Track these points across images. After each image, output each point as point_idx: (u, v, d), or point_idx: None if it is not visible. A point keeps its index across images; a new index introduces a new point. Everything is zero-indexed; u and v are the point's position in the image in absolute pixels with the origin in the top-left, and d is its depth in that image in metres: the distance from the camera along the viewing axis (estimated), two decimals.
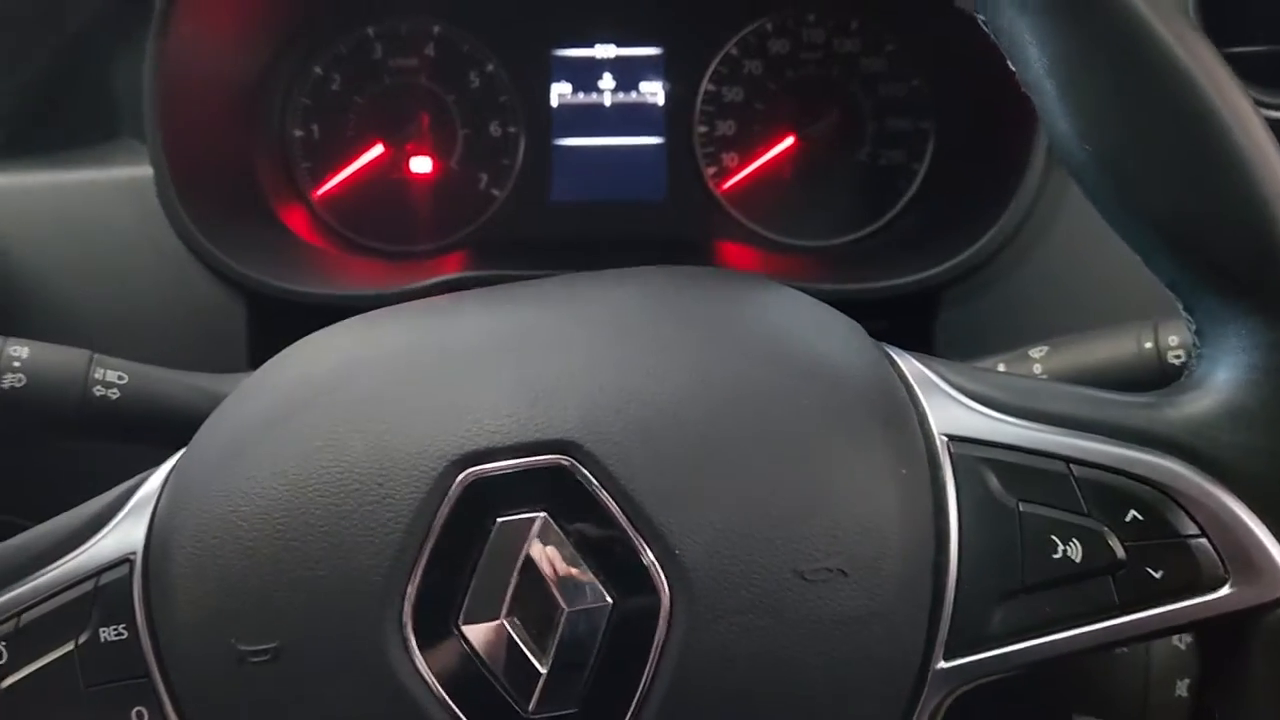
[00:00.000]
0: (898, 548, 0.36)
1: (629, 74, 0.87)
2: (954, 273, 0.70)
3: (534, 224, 0.88)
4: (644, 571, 0.35)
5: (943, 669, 0.36)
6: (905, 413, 0.38)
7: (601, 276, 0.44)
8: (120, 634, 0.37)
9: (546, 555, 0.35)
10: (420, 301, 0.44)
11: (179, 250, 0.71)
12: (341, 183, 0.87)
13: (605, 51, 0.87)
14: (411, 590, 0.35)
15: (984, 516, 0.37)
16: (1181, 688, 0.52)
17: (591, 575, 0.35)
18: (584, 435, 0.35)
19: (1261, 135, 0.35)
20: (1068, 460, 0.37)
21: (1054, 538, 0.36)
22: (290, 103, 0.86)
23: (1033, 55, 0.36)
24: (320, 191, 0.87)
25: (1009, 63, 0.38)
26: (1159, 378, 0.52)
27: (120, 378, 0.54)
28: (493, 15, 0.86)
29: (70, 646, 0.37)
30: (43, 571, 0.39)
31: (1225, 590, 0.36)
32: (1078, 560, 0.36)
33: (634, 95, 0.87)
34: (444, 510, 0.35)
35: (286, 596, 0.35)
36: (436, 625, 0.35)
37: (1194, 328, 0.38)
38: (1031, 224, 0.71)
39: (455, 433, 0.36)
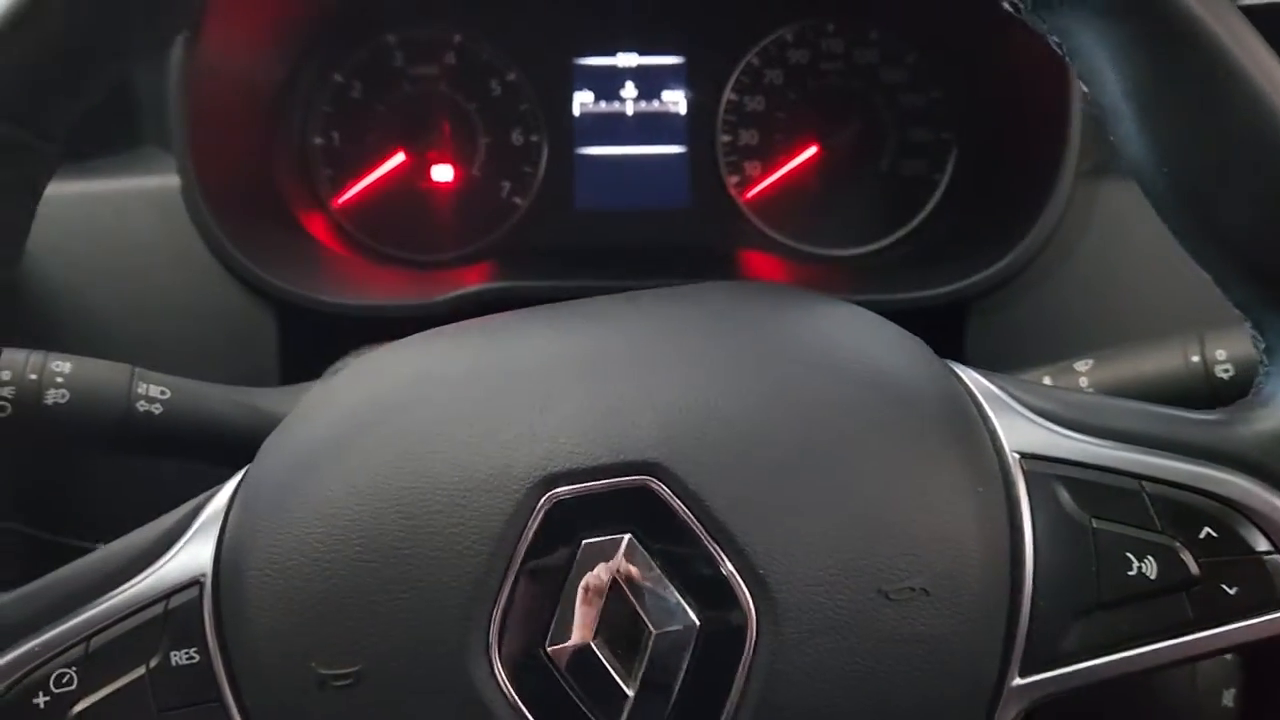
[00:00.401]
0: (977, 566, 0.36)
1: (651, 83, 0.87)
2: (986, 284, 0.71)
3: (557, 232, 0.88)
4: (730, 592, 0.34)
5: (1018, 685, 0.36)
6: (978, 430, 0.39)
7: (665, 294, 0.44)
8: (192, 657, 0.37)
9: (633, 577, 0.35)
10: (483, 319, 0.44)
11: (207, 260, 0.71)
12: (362, 191, 0.87)
13: (627, 60, 0.87)
14: (497, 613, 0.35)
15: (1058, 534, 0.37)
16: (1228, 697, 0.52)
17: (678, 596, 0.35)
18: (668, 456, 0.35)
19: None
20: (1141, 478, 0.37)
21: (1129, 554, 0.37)
22: (311, 111, 0.86)
23: (1111, 79, 0.37)
24: (341, 200, 0.87)
25: (1082, 84, 0.38)
26: (1207, 391, 0.52)
27: (163, 393, 0.54)
28: (514, 24, 0.86)
29: (142, 671, 0.37)
30: (110, 595, 0.38)
31: None
32: (1152, 577, 0.36)
33: (656, 104, 0.87)
34: (529, 532, 0.35)
35: (369, 619, 0.35)
36: (522, 648, 0.35)
37: (1262, 346, 0.39)
38: (1061, 236, 0.71)
39: (538, 454, 0.36)
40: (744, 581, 0.35)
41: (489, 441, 0.36)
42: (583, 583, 0.35)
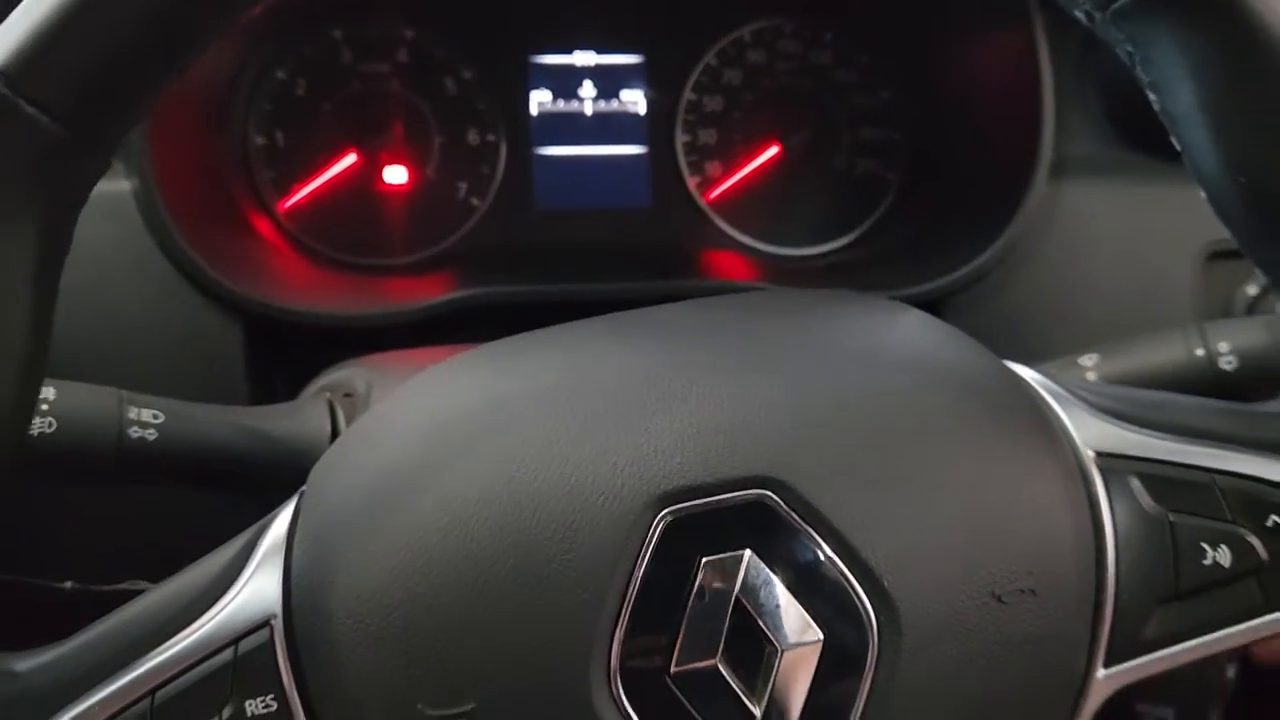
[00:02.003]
0: (1071, 564, 0.37)
1: (610, 82, 0.87)
2: (961, 282, 0.73)
3: (517, 234, 0.86)
4: (851, 604, 0.34)
5: (1103, 677, 0.38)
6: (1055, 430, 0.40)
7: (733, 302, 0.43)
8: (269, 705, 0.35)
9: (755, 593, 0.34)
10: (545, 333, 0.42)
11: (164, 267, 0.67)
12: (311, 194, 0.83)
13: (585, 59, 0.86)
14: (617, 638, 0.34)
15: (1137, 528, 0.39)
16: (1231, 671, 0.55)
17: (801, 611, 0.34)
18: (782, 469, 0.35)
19: None
20: (1211, 471, 0.39)
21: (1204, 545, 0.38)
22: (253, 110, 0.82)
23: (1186, 89, 0.38)
24: (289, 203, 0.83)
25: (1150, 93, 0.40)
26: (1213, 381, 0.55)
27: (156, 417, 0.50)
28: (467, 20, 0.84)
29: None
30: (171, 643, 0.35)
31: None
32: (1226, 565, 0.38)
33: (615, 103, 0.87)
34: (646, 552, 0.34)
35: (481, 653, 0.34)
36: (646, 673, 0.34)
37: None
38: (1029, 235, 0.74)
39: (649, 472, 0.35)
40: (865, 592, 0.35)
41: (595, 461, 0.35)
42: (704, 602, 0.34)
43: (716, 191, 0.88)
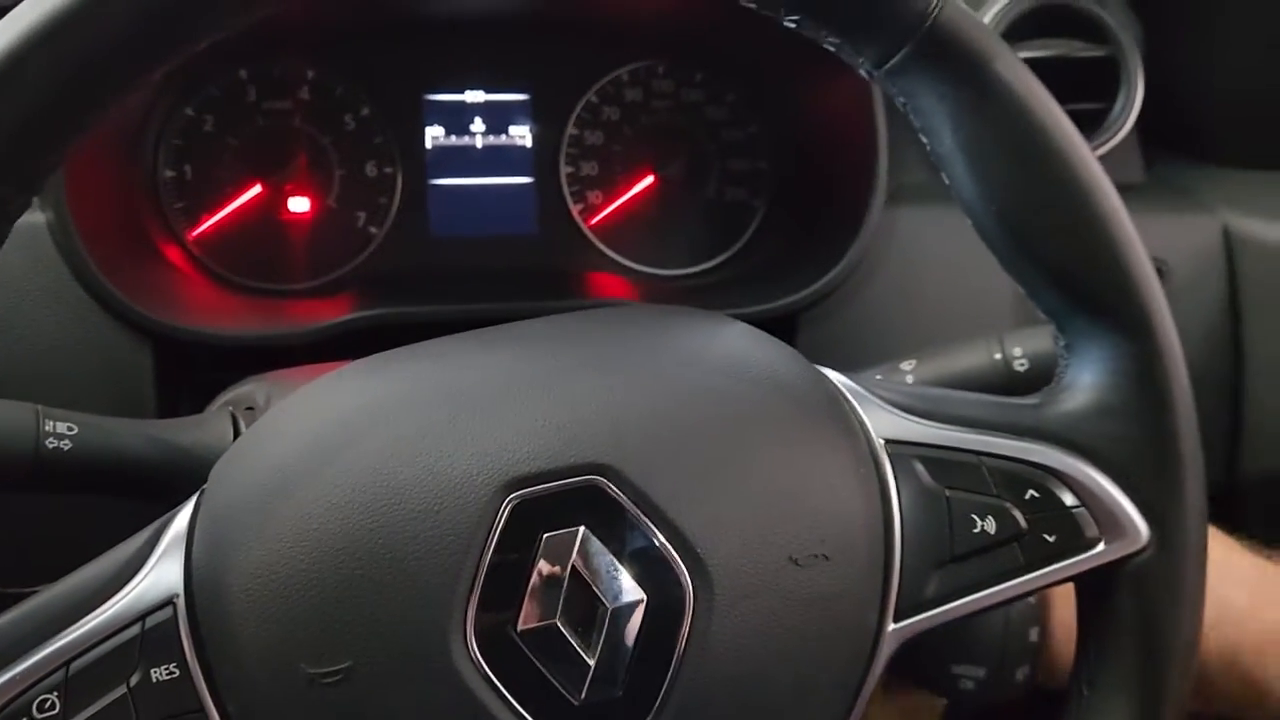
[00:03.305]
0: (863, 533, 0.44)
1: (498, 118, 0.92)
2: (811, 298, 0.80)
3: (413, 260, 0.91)
4: (670, 569, 0.40)
5: (892, 630, 0.44)
6: (852, 422, 0.46)
7: (581, 317, 0.49)
8: (172, 672, 0.39)
9: (588, 562, 0.40)
10: (413, 347, 0.47)
11: (78, 295, 0.71)
12: (218, 223, 0.87)
13: (475, 97, 0.92)
14: (472, 603, 0.39)
15: (919, 503, 0.45)
16: (1033, 634, 0.63)
17: (627, 576, 0.40)
18: (613, 457, 0.41)
19: (1116, 200, 0.46)
20: (979, 454, 0.46)
21: (974, 515, 0.45)
22: (163, 144, 0.86)
23: (946, 132, 0.45)
24: (197, 232, 0.87)
25: (922, 135, 0.47)
26: (1008, 380, 0.64)
27: (70, 429, 0.54)
28: (365, 60, 0.90)
29: (123, 689, 0.39)
30: (85, 620, 0.40)
31: (1100, 547, 0.46)
32: (992, 532, 0.45)
33: (504, 138, 0.92)
34: (495, 530, 0.40)
35: (355, 619, 0.38)
36: (495, 631, 0.39)
37: (1063, 343, 0.49)
38: (870, 257, 0.82)
39: (499, 462, 0.40)
40: (681, 559, 0.41)
41: (454, 455, 0.41)
42: (545, 571, 0.40)
43: (597, 218, 0.94)
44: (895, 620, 0.45)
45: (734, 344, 0.48)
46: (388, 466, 0.41)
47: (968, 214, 0.47)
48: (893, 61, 0.44)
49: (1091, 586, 0.48)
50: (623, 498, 0.41)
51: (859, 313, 0.82)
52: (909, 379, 0.64)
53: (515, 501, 0.40)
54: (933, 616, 0.45)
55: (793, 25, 0.45)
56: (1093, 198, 0.45)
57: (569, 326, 0.49)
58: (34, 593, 0.47)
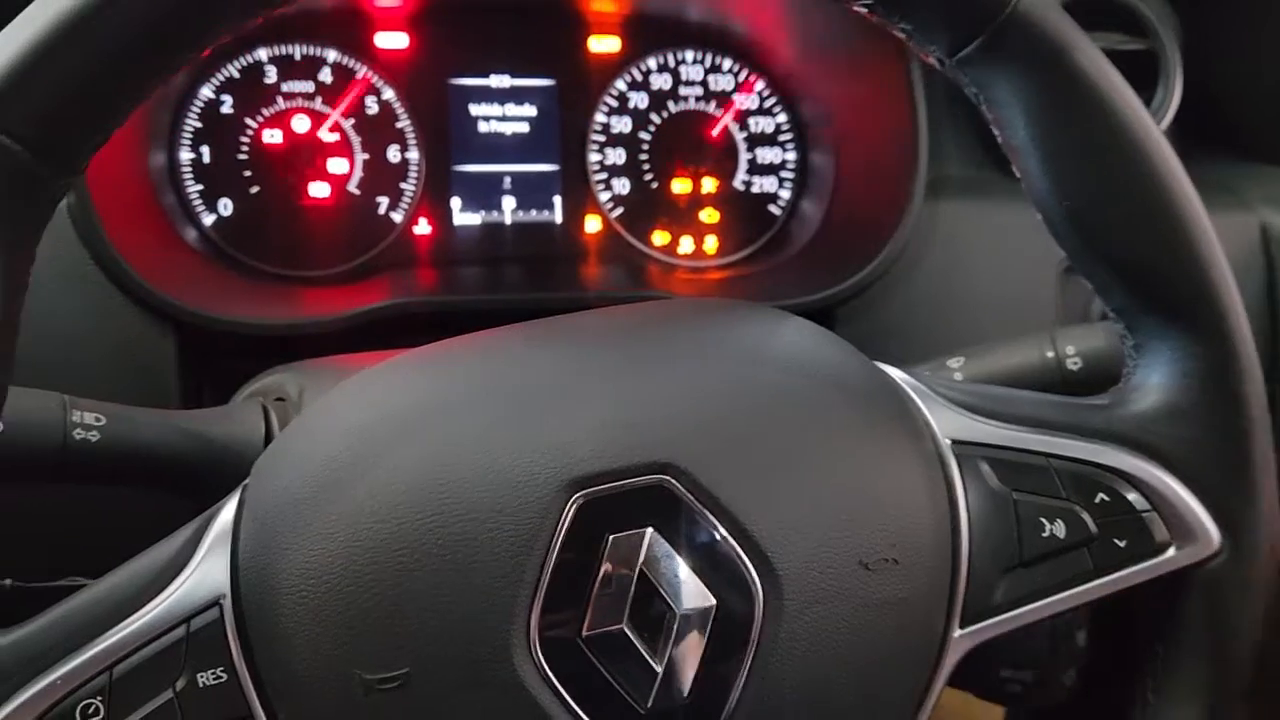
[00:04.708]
0: (930, 536, 0.43)
1: (524, 103, 0.90)
2: (850, 291, 0.79)
3: (434, 246, 0.89)
4: (739, 574, 0.39)
5: (958, 636, 0.43)
6: (918, 422, 0.45)
7: (637, 310, 0.48)
8: (219, 677, 0.38)
9: (656, 565, 0.39)
10: (469, 339, 0.46)
11: (99, 278, 0.69)
12: (237, 207, 0.86)
13: (501, 81, 0.90)
14: (536, 607, 0.37)
15: (986, 506, 0.44)
16: (1081, 637, 0.62)
17: (696, 580, 0.39)
18: (680, 456, 0.39)
19: (1195, 199, 0.44)
20: (1048, 456, 0.45)
21: (1042, 519, 0.44)
22: (181, 126, 0.84)
23: (1021, 125, 0.44)
24: (215, 217, 0.86)
25: (994, 128, 0.45)
26: (1060, 379, 0.62)
27: (98, 419, 0.52)
28: (388, 43, 0.88)
29: (169, 695, 0.38)
30: (127, 622, 0.38)
31: (1171, 552, 0.45)
32: (1061, 536, 0.44)
33: (529, 124, 0.91)
34: (560, 531, 0.38)
35: (415, 622, 0.37)
36: (560, 637, 0.38)
37: (1131, 343, 0.47)
38: (910, 251, 0.80)
39: (562, 460, 0.39)
40: (751, 563, 0.39)
41: (513, 452, 0.39)
42: (611, 574, 0.38)
43: (623, 207, 0.93)
44: (962, 626, 0.43)
45: (794, 339, 0.47)
46: (445, 462, 0.39)
47: (1038, 208, 0.46)
48: (967, 50, 0.43)
49: (1159, 592, 0.46)
50: (690, 498, 0.39)
51: (898, 308, 0.81)
52: (957, 376, 0.63)
53: (580, 501, 0.39)
54: (1000, 623, 0.44)
55: (863, 11, 0.43)
56: (1172, 195, 0.44)
57: (620, 320, 0.47)
58: (60, 587, 0.45)
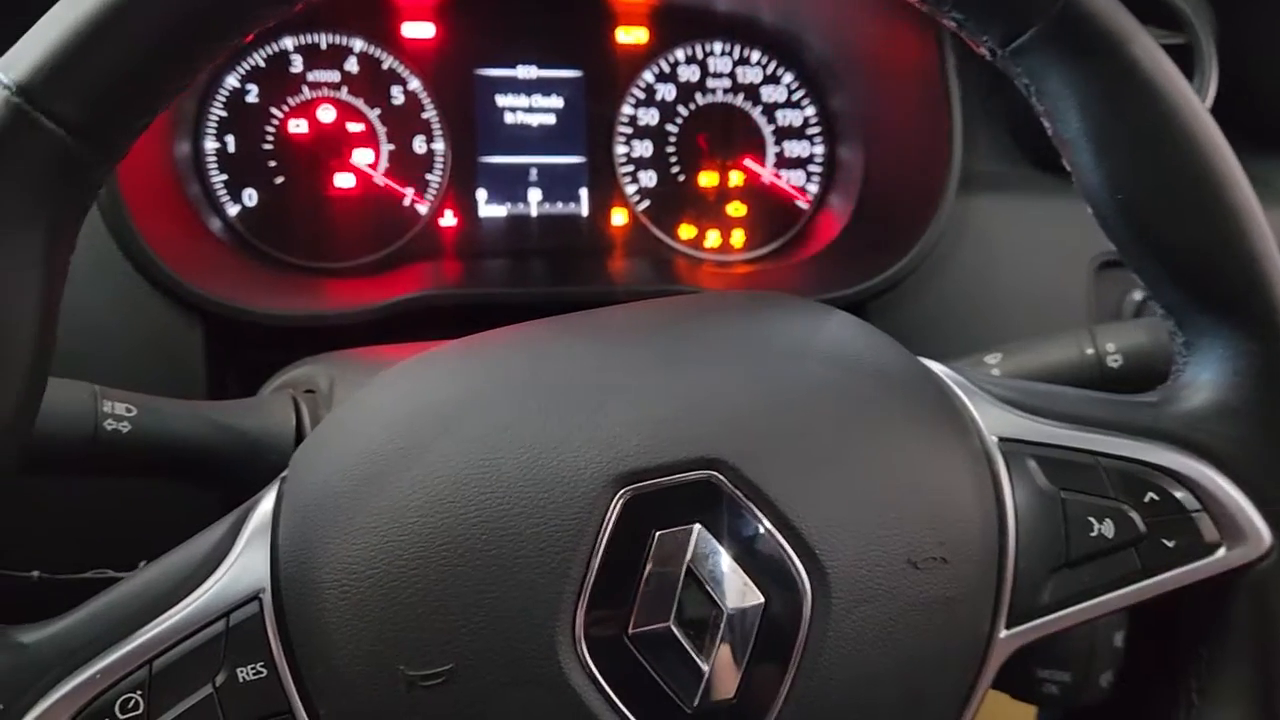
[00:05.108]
0: (978, 535, 0.42)
1: (550, 94, 0.90)
2: (882, 286, 0.78)
3: (460, 238, 0.89)
4: (788, 572, 0.38)
5: (1004, 637, 0.42)
6: (964, 418, 0.44)
7: (677, 303, 0.47)
8: (259, 672, 0.37)
9: (704, 562, 0.38)
10: (508, 331, 0.45)
11: (127, 270, 0.68)
12: (262, 198, 0.85)
13: (527, 72, 0.90)
14: (582, 604, 0.37)
15: (1033, 504, 0.43)
16: (1118, 638, 0.61)
17: (745, 577, 0.38)
18: (727, 452, 0.39)
19: (1250, 192, 0.43)
20: (1096, 454, 0.44)
21: (1090, 518, 0.43)
22: (206, 115, 0.84)
23: (1074, 117, 0.43)
24: (240, 207, 0.85)
25: (1045, 120, 0.45)
26: (1099, 376, 0.61)
27: (129, 410, 0.52)
28: (414, 32, 0.87)
29: (209, 689, 0.37)
30: (167, 615, 0.38)
31: (1221, 553, 0.44)
32: (1110, 536, 0.43)
33: (555, 115, 0.90)
34: (606, 527, 0.37)
35: (459, 618, 0.36)
36: (607, 635, 0.37)
37: (1181, 340, 0.47)
38: (945, 243, 0.80)
39: (608, 455, 0.38)
40: (800, 560, 0.38)
41: (559, 447, 0.38)
42: (658, 571, 0.37)
43: (650, 200, 0.92)
44: (1008, 626, 0.43)
45: (838, 334, 0.46)
46: (489, 456, 0.38)
47: (1089, 200, 0.45)
48: (1020, 41, 0.42)
49: (1205, 593, 0.46)
50: (738, 494, 0.39)
51: (930, 303, 0.81)
52: (995, 372, 0.62)
53: (626, 496, 0.38)
54: (1046, 623, 0.43)
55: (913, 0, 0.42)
56: (1227, 190, 0.43)
57: (660, 315, 0.46)
58: (88, 580, 0.44)
